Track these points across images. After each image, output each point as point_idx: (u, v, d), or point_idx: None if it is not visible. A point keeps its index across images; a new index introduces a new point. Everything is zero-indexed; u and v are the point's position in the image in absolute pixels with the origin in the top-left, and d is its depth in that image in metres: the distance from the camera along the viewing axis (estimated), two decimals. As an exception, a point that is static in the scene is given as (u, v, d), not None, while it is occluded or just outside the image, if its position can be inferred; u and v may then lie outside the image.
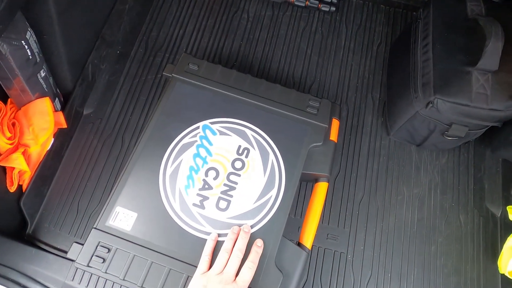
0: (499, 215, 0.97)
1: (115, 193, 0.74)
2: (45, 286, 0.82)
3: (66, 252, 0.86)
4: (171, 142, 0.78)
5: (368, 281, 0.89)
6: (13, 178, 0.82)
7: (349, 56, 1.14)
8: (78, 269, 0.83)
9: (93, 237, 0.70)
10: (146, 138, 0.78)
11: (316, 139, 0.80)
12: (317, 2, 1.15)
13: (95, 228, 0.71)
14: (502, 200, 0.99)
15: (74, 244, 0.70)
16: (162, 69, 1.07)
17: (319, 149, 0.81)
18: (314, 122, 0.82)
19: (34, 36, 0.81)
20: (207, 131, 0.79)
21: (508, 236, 0.89)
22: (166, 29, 1.13)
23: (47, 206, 0.91)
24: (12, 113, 0.85)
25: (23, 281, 0.81)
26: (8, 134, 0.79)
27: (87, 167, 0.95)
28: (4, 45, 0.74)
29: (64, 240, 0.88)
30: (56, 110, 0.92)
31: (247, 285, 0.63)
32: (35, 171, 0.88)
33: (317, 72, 1.11)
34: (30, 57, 0.80)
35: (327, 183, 0.81)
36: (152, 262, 0.68)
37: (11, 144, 0.80)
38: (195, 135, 0.79)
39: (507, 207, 0.94)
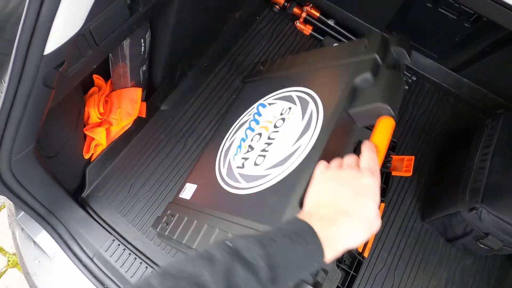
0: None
1: (189, 173, 0.90)
2: (81, 247, 0.91)
3: (108, 224, 0.95)
4: (232, 125, 0.90)
5: None
6: (90, 148, 0.93)
7: (407, 135, 1.19)
8: (113, 243, 0.92)
9: (166, 209, 0.85)
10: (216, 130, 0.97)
11: (362, 68, 0.67)
12: (394, 77, 1.23)
13: (170, 202, 0.87)
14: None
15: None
16: (238, 91, 1.17)
17: (371, 82, 0.66)
18: (361, 56, 0.71)
19: (150, 37, 0.93)
20: (259, 107, 0.87)
21: None
22: (252, 58, 1.23)
23: (106, 178, 1.01)
24: (108, 92, 0.97)
25: (66, 236, 0.90)
26: (102, 110, 0.91)
27: (147, 156, 1.05)
28: (128, 39, 0.86)
29: (110, 214, 0.97)
30: (142, 101, 1.03)
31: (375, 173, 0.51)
32: (107, 146, 0.99)
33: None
34: (142, 53, 0.92)
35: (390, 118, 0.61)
36: (196, 221, 0.74)
37: (100, 119, 0.92)
38: (250, 114, 0.88)
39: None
